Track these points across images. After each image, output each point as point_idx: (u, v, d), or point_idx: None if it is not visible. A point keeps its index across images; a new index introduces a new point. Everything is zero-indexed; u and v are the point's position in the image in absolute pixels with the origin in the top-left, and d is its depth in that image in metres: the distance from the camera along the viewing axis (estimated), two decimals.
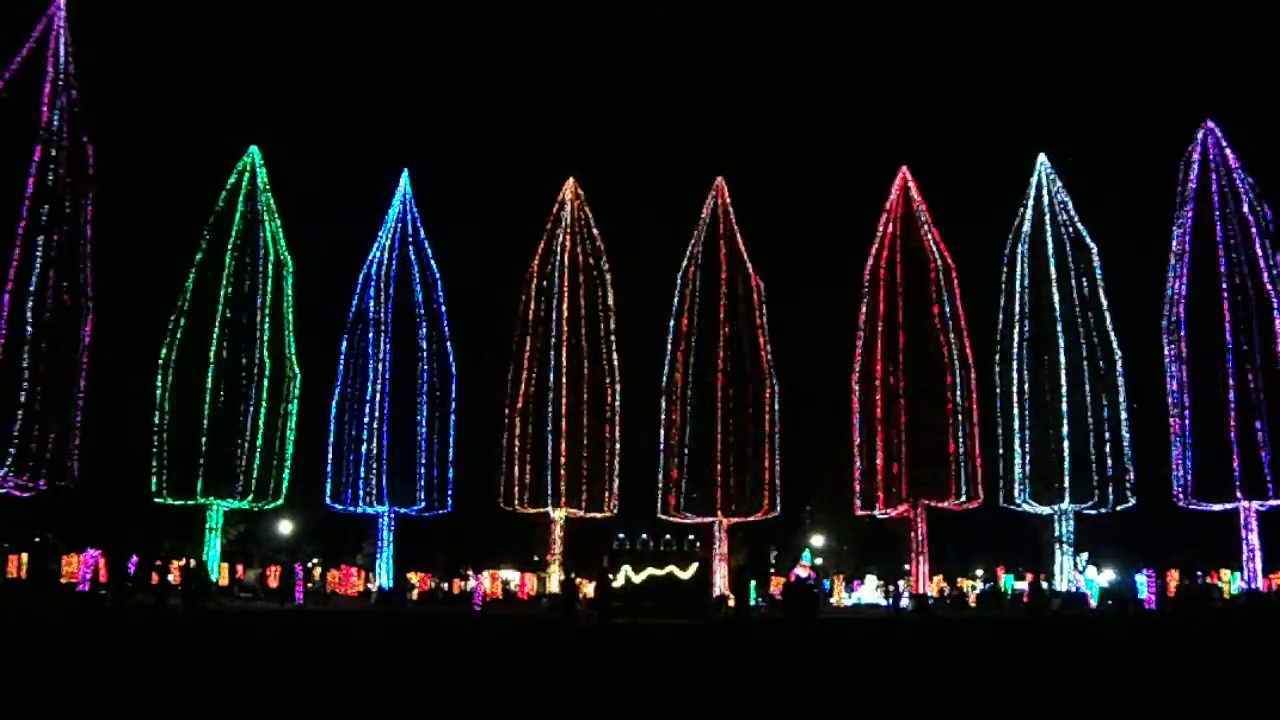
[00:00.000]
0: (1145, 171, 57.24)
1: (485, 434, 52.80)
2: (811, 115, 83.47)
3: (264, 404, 48.51)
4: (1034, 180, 52.65)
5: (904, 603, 48.76)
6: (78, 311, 42.19)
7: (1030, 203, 52.31)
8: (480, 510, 53.07)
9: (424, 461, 50.23)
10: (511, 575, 65.40)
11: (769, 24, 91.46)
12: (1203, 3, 76.10)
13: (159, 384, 47.68)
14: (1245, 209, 47.30)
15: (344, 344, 51.46)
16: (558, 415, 51.23)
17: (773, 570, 61.61)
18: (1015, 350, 50.98)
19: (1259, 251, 46.71)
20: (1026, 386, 50.45)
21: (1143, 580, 47.33)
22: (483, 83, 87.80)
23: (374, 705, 10.97)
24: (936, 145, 74.59)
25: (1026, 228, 51.93)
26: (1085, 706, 11.77)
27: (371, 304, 51.13)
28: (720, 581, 49.93)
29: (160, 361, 47.88)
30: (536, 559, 57.47)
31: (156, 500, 47.26)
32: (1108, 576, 53.15)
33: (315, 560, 60.22)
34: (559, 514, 51.23)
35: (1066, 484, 49.14)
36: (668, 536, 47.32)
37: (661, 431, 52.67)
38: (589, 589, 47.63)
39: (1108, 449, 49.27)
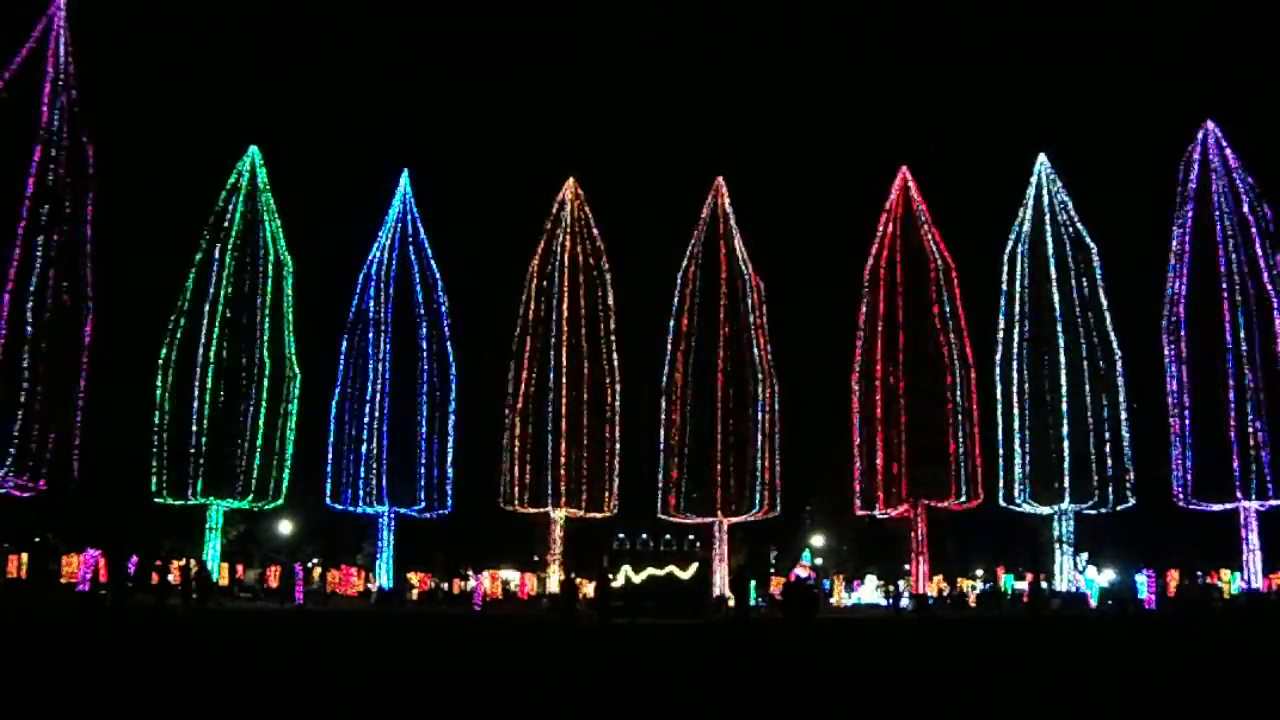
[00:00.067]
0: (1145, 171, 57.34)
1: (485, 434, 52.81)
2: (811, 115, 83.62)
3: (264, 404, 48.49)
4: (1034, 180, 52.63)
5: (904, 603, 48.75)
6: (78, 311, 42.16)
7: (1030, 203, 52.29)
8: (480, 510, 53.05)
9: (424, 461, 50.21)
10: (511, 575, 65.40)
11: (769, 24, 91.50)
12: (1203, 3, 76.17)
13: (159, 384, 47.66)
14: (1245, 209, 47.29)
15: (344, 344, 51.43)
16: (558, 415, 51.22)
17: (773, 570, 61.60)
18: (1015, 350, 50.96)
19: (1259, 251, 46.71)
20: (1026, 386, 50.42)
21: (1143, 580, 47.33)
22: (483, 83, 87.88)
23: (374, 705, 10.97)
24: (937, 145, 74.71)
25: (1026, 228, 51.92)
26: (1085, 706, 11.77)
27: (371, 304, 51.12)
28: (720, 581, 49.91)
29: (160, 361, 47.86)
30: (536, 559, 57.45)
31: (156, 500, 47.25)
32: (1108, 576, 53.14)
33: (315, 560, 60.22)
34: (559, 514, 51.22)
35: (1066, 484, 49.12)
36: (668, 536, 47.30)
37: (661, 431, 52.66)
38: (589, 589, 47.63)
39: (1108, 449, 49.25)
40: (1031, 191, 52.49)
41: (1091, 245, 51.14)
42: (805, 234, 68.33)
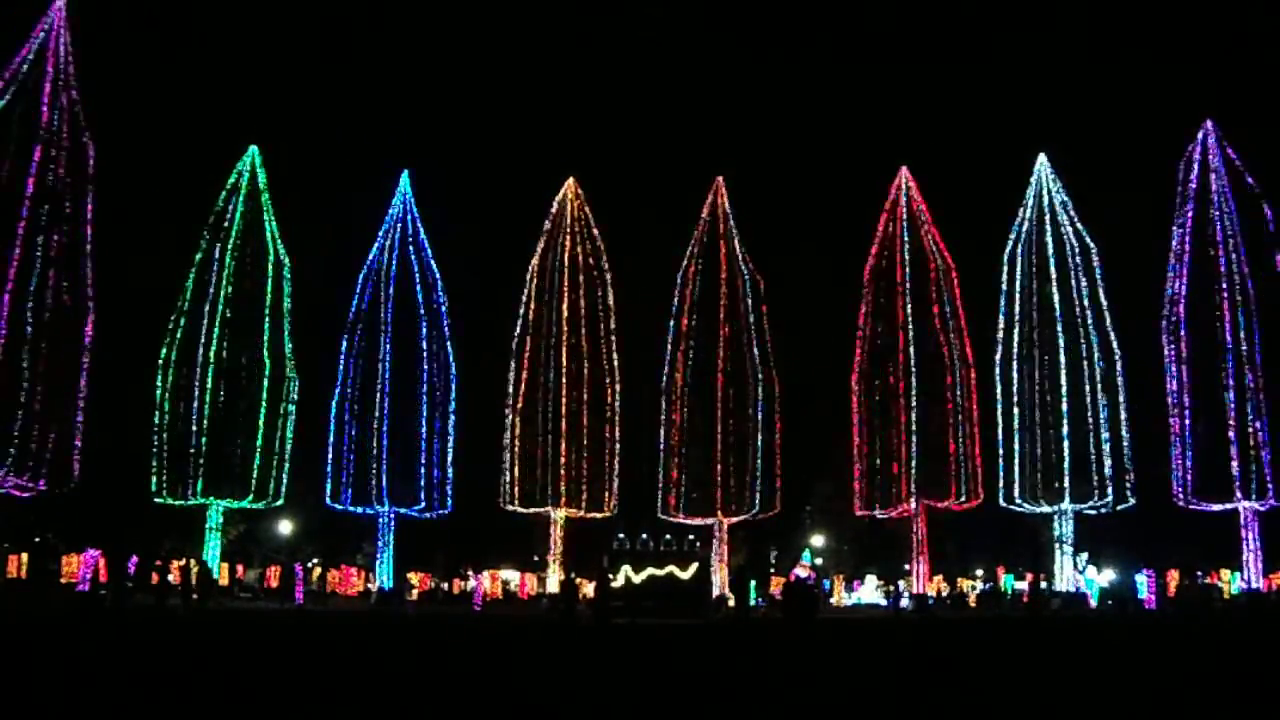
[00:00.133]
0: (1145, 171, 57.32)
1: (485, 434, 52.79)
2: (811, 115, 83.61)
3: (264, 404, 48.48)
4: (1034, 180, 52.62)
5: (904, 603, 48.74)
6: (78, 311, 42.14)
7: (1030, 203, 52.28)
8: (480, 510, 53.04)
9: (424, 461, 50.19)
10: (511, 575, 65.41)
11: (769, 24, 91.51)
12: (1203, 3, 76.19)
13: (159, 384, 47.65)
14: (1245, 208, 47.28)
15: (344, 344, 51.42)
16: (558, 415, 51.20)
17: (773, 570, 61.60)
18: (1015, 350, 50.94)
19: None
20: (1026, 386, 50.40)
21: (1143, 580, 47.31)
22: (483, 83, 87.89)
23: (374, 705, 10.96)
24: (936, 145, 74.73)
25: (1026, 228, 51.90)
26: (1085, 706, 11.77)
27: (371, 304, 51.09)
28: (720, 581, 49.90)
29: (160, 361, 47.85)
30: (536, 559, 57.46)
31: (156, 500, 47.24)
32: (1108, 576, 53.13)
33: (315, 560, 60.23)
34: (559, 514, 51.21)
35: (1066, 484, 49.11)
36: (668, 536, 47.32)
37: (661, 431, 52.64)
38: (589, 589, 47.62)
39: (1107, 449, 49.24)
40: (1031, 191, 52.48)
41: (1091, 245, 51.13)
42: (805, 234, 68.38)
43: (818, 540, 65.77)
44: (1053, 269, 50.74)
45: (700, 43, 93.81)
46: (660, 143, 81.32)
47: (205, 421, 47.42)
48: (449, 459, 51.11)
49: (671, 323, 53.39)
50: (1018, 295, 51.38)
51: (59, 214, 41.50)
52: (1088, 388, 49.63)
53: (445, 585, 62.54)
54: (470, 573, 60.28)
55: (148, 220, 51.41)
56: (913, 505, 49.72)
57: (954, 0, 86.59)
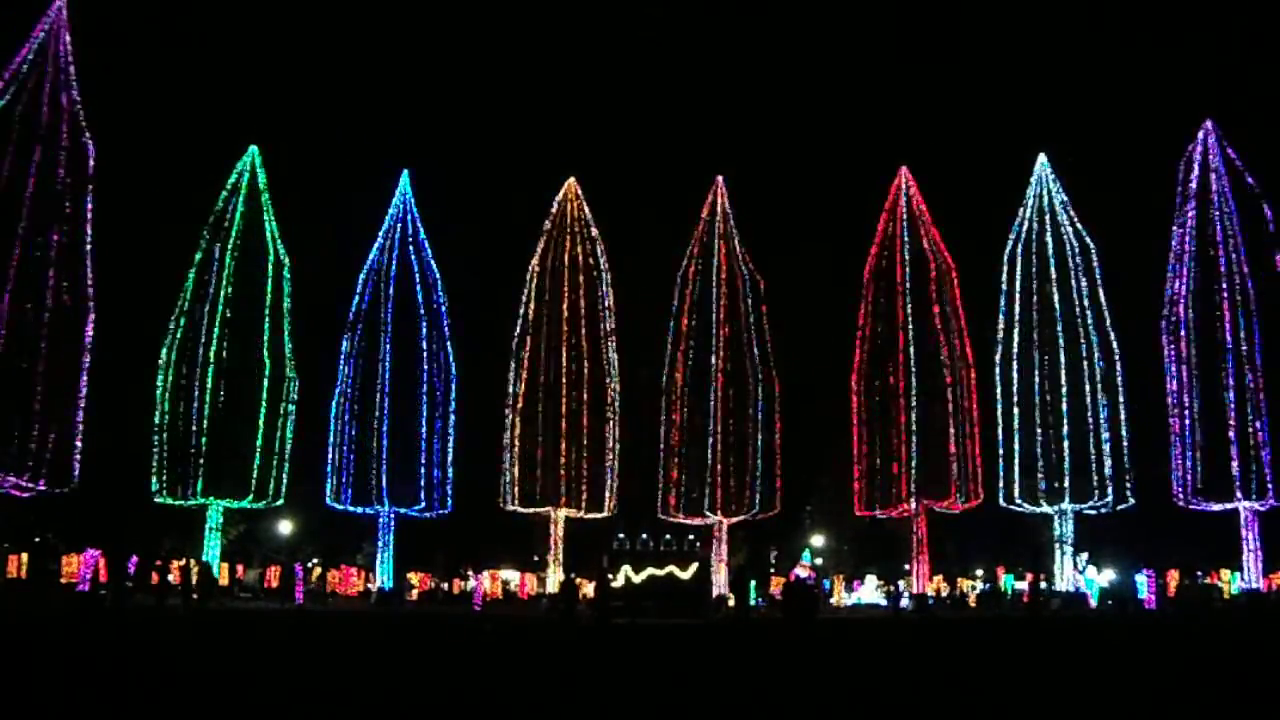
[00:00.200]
0: (1145, 171, 57.30)
1: (485, 434, 52.76)
2: (811, 115, 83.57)
3: (264, 404, 48.48)
4: (1034, 180, 52.62)
5: (904, 603, 48.75)
6: (78, 311, 42.13)
7: (1030, 203, 52.27)
8: (480, 510, 53.01)
9: (424, 461, 50.18)
10: (511, 575, 65.42)
11: (769, 23, 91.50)
12: (1203, 3, 76.19)
13: (159, 384, 47.65)
14: (1245, 208, 47.29)
15: (344, 344, 51.40)
16: (558, 415, 51.18)
17: (773, 570, 61.61)
18: (1015, 350, 50.93)
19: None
20: (1026, 386, 50.37)
21: (1143, 580, 47.31)
22: (483, 83, 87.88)
23: (374, 705, 10.97)
24: (936, 145, 74.72)
25: (1026, 228, 51.89)
26: (1085, 706, 11.77)
27: (371, 304, 51.08)
28: (720, 581, 49.90)
29: (160, 361, 47.84)
30: (536, 559, 57.44)
31: (156, 500, 47.24)
32: (1108, 576, 53.14)
33: (315, 560, 60.26)
34: (559, 514, 51.20)
35: (1066, 484, 49.10)
36: (668, 536, 47.32)
37: (661, 431, 52.62)
38: (589, 589, 47.63)
39: (1107, 449, 49.22)
40: (1031, 191, 52.47)
41: (1091, 245, 51.12)
42: (805, 234, 68.35)
43: (818, 540, 65.78)
44: (1053, 269, 50.73)
45: (700, 43, 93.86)
46: (660, 143, 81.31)
47: (205, 421, 47.39)
48: (449, 459, 51.13)
49: (671, 323, 53.38)
50: (1018, 295, 51.35)
51: (59, 214, 41.48)
52: (1088, 388, 49.61)
53: (445, 585, 62.56)
54: (470, 573, 60.29)
55: (148, 220, 51.36)
56: (913, 505, 49.70)
57: (954, 0, 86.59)
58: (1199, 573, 52.41)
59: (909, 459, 49.79)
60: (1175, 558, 53.17)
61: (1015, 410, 50.33)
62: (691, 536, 48.29)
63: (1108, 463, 49.07)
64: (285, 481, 49.30)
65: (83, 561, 43.51)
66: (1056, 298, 50.33)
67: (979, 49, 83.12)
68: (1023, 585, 51.60)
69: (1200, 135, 49.00)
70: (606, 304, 53.01)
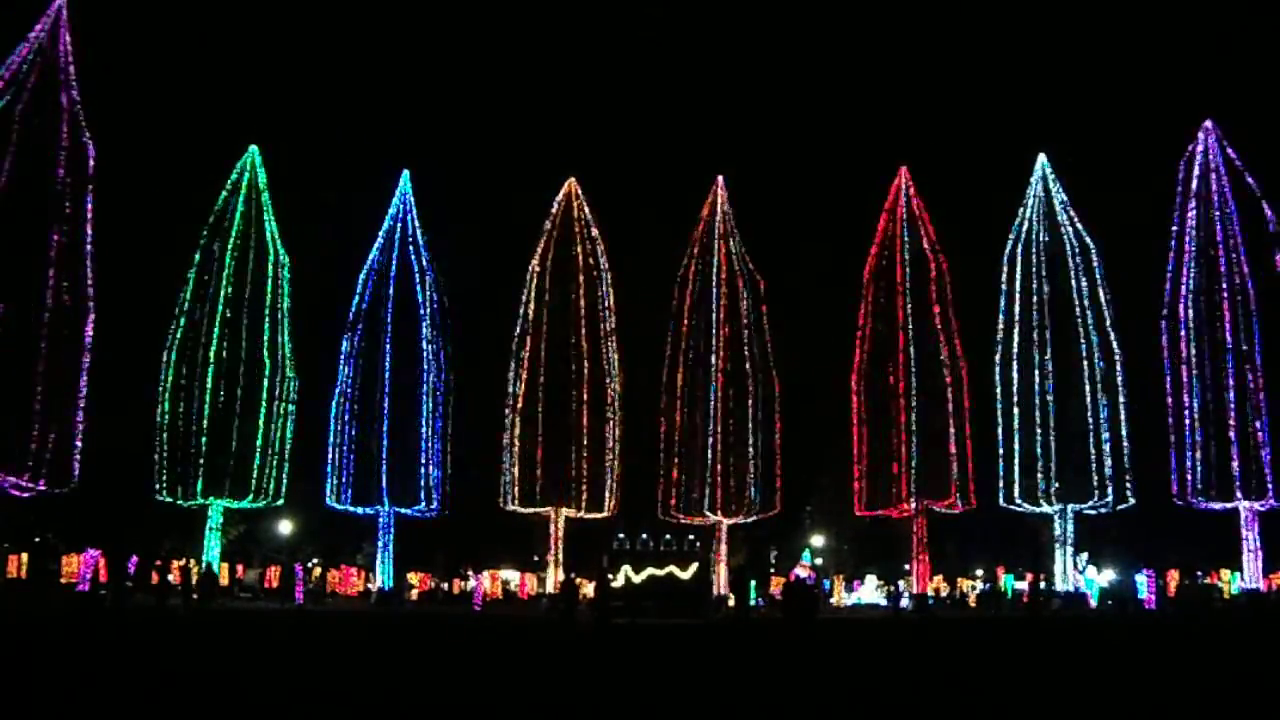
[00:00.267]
0: (1145, 171, 57.29)
1: (485, 434, 52.75)
2: (811, 115, 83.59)
3: (264, 404, 48.49)
4: (1034, 180, 52.60)
5: (904, 603, 48.76)
6: (78, 311, 42.12)
7: (1030, 203, 52.24)
8: (480, 510, 53.01)
9: (424, 461, 50.19)
10: (511, 575, 65.46)
11: (769, 23, 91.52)
12: (1203, 3, 76.19)
13: (159, 384, 47.65)
14: (1245, 208, 47.29)
15: (344, 344, 51.40)
16: (558, 415, 51.15)
17: (773, 570, 61.64)
18: (1015, 350, 50.92)
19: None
20: (1026, 387, 50.35)
21: (1143, 580, 47.33)
22: (483, 83, 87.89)
23: (374, 705, 10.97)
24: (936, 145, 74.72)
25: (1026, 228, 51.87)
26: (1085, 706, 11.77)
27: (371, 304, 51.07)
28: (720, 581, 49.90)
29: (161, 361, 47.85)
30: (536, 559, 57.45)
31: (156, 500, 47.25)
32: (1108, 576, 53.16)
33: (315, 560, 60.29)
34: (559, 514, 51.19)
35: (1067, 484, 49.07)
36: (668, 536, 47.31)
37: (661, 431, 52.60)
38: (589, 589, 47.66)
39: (1108, 449, 49.20)
40: (1031, 191, 52.44)
41: (1091, 245, 51.10)
42: (805, 234, 68.35)
43: (818, 540, 65.80)
44: (1052, 268, 50.71)
45: (700, 43, 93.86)
46: (660, 143, 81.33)
47: (205, 421, 47.41)
48: (449, 459, 51.12)
49: (671, 323, 53.37)
50: (1018, 295, 51.31)
51: (59, 214, 41.47)
52: (1088, 388, 49.59)
53: (445, 585, 62.58)
54: (470, 573, 60.31)
55: (148, 220, 51.34)
56: (913, 505, 49.70)
57: (954, 0, 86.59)
58: (1199, 573, 52.44)
59: (909, 459, 49.77)
60: (1175, 558, 53.21)
61: (1015, 410, 50.30)
62: (691, 536, 48.26)
63: (1108, 463, 49.03)
64: (285, 481, 49.34)
65: (83, 561, 43.53)
66: (1057, 298, 50.30)
67: (979, 49, 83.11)
68: (1023, 585, 51.57)
69: (1200, 135, 48.99)
70: (606, 304, 52.98)
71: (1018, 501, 50.11)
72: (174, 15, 68.90)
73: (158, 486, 47.12)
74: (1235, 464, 45.49)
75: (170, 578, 39.33)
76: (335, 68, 77.66)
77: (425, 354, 50.86)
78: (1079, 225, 51.41)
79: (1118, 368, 49.91)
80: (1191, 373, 47.23)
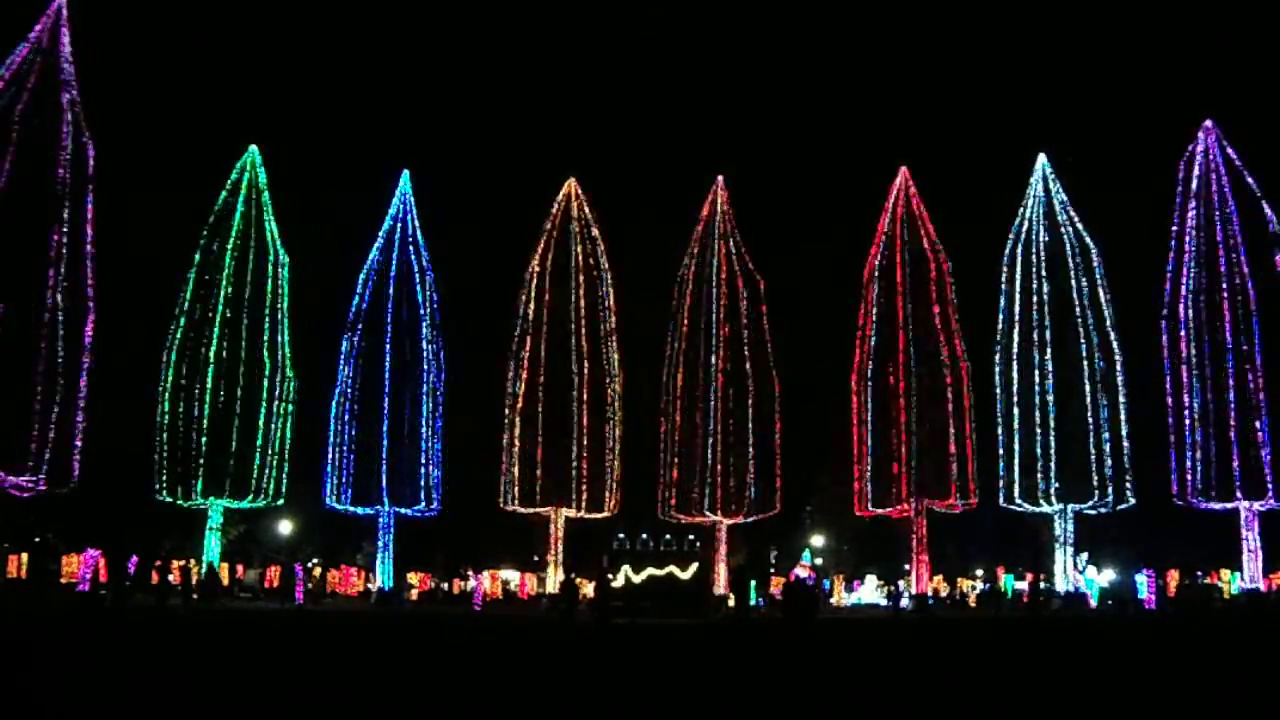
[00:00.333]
0: (1145, 171, 57.30)
1: (485, 434, 52.76)
2: (811, 115, 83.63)
3: (264, 404, 48.49)
4: (1034, 180, 52.59)
5: (904, 603, 48.74)
6: (78, 311, 42.11)
7: (1030, 203, 52.24)
8: (480, 510, 53.01)
9: (424, 461, 50.19)
10: (511, 575, 65.44)
11: (769, 23, 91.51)
12: (1203, 3, 76.18)
13: (159, 384, 47.65)
14: (1245, 208, 47.29)
15: (344, 344, 51.40)
16: (558, 415, 51.15)
17: (773, 570, 61.63)
18: (1015, 350, 50.91)
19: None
20: (1026, 387, 50.34)
21: (1143, 580, 47.30)
22: (483, 83, 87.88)
23: (374, 705, 10.97)
24: (936, 145, 74.75)
25: (1026, 228, 51.87)
26: (1085, 706, 11.77)
27: (371, 304, 51.06)
28: (720, 581, 49.89)
29: (161, 361, 47.84)
30: (536, 559, 57.43)
31: (157, 500, 47.25)
32: (1108, 576, 53.15)
33: (315, 560, 60.28)
34: (559, 514, 51.18)
35: (1067, 484, 49.06)
36: (668, 536, 47.31)
37: (662, 431, 52.59)
38: (589, 589, 47.65)
39: (1108, 449, 49.20)
40: (1031, 191, 52.44)
41: (1091, 245, 51.10)
42: (805, 234, 68.38)
43: (818, 540, 65.81)
44: (1053, 269, 50.71)
45: (700, 43, 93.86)
46: (660, 143, 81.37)
47: (205, 421, 47.41)
48: (449, 459, 51.11)
49: (671, 323, 53.37)
50: (1018, 295, 51.32)
51: (59, 214, 41.45)
52: (1088, 388, 49.59)
53: (445, 585, 62.57)
54: (470, 573, 60.29)
55: (148, 220, 51.36)
56: (913, 505, 49.70)
57: (954, 0, 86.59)
58: (1199, 573, 52.41)
59: (909, 459, 49.78)
60: (1175, 558, 53.17)
61: (1015, 410, 50.31)
62: (691, 536, 48.26)
63: (1108, 463, 49.04)
64: (285, 481, 49.35)
65: (83, 561, 43.51)
66: (1057, 298, 50.29)
67: (979, 49, 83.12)
68: (1023, 585, 51.57)
69: (1200, 135, 48.99)
70: (606, 304, 52.99)
71: (1018, 501, 50.11)
72: (174, 15, 68.92)
73: (158, 486, 47.15)
74: (1235, 464, 45.48)
75: (170, 578, 39.30)
76: (335, 68, 77.78)
77: (425, 354, 50.86)
78: (1079, 225, 51.41)
79: (1118, 368, 49.91)
80: (1191, 373, 47.23)
